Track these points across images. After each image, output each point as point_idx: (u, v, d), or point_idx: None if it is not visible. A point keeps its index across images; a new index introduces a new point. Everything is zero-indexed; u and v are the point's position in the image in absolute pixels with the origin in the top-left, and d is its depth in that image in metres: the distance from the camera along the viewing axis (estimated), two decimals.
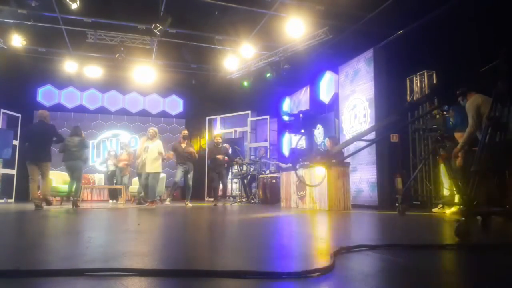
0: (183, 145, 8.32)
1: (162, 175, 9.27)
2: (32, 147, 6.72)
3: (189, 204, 8.00)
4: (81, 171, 7.73)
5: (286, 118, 11.85)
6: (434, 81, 7.55)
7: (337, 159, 6.95)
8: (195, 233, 3.31)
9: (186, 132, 8.64)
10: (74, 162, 7.42)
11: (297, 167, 6.73)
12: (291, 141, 11.33)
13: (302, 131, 3.95)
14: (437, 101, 7.48)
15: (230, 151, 9.64)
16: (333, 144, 7.35)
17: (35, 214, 5.40)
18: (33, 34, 8.82)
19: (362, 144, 4.79)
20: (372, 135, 5.83)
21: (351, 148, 8.01)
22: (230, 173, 10.99)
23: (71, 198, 7.43)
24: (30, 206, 7.00)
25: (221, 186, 9.14)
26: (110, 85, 12.44)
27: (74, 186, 7.42)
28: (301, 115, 3.98)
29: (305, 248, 2.38)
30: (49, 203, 6.91)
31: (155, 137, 7.99)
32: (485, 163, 2.52)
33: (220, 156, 8.67)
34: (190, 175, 8.25)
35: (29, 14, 7.91)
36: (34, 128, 7.08)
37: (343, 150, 7.55)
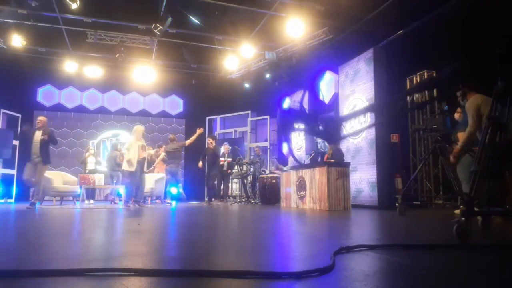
0: (173, 147, 9.09)
1: (161, 175, 9.30)
2: None
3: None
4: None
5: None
6: None
7: (337, 157, 6.97)
8: (195, 233, 3.31)
9: (171, 136, 9.59)
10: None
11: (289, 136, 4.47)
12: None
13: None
14: (436, 93, 7.46)
15: (224, 151, 9.82)
16: (334, 146, 7.33)
17: (35, 214, 5.40)
18: (33, 34, 8.82)
19: (360, 126, 4.66)
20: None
21: (352, 148, 8.03)
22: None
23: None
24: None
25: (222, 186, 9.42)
26: (110, 85, 12.43)
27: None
28: (294, 59, 2.30)
29: (305, 248, 2.38)
30: None
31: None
32: (485, 163, 2.51)
33: (222, 160, 9.33)
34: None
35: (29, 14, 7.91)
36: None
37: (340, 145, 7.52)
